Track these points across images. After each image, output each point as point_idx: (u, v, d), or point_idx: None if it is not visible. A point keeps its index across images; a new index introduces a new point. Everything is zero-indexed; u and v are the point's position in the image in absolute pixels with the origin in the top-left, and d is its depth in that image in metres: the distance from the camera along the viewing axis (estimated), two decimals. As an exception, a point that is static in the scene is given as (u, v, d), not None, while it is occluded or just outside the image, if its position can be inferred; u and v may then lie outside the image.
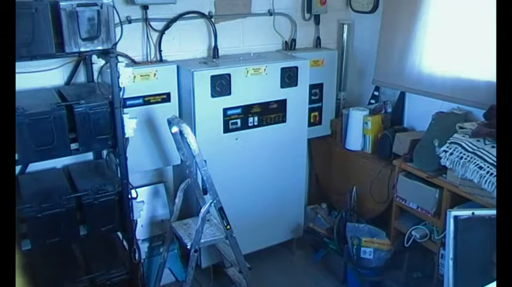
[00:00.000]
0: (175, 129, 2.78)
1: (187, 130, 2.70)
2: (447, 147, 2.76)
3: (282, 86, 3.32)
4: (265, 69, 3.22)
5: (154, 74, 3.04)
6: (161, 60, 3.19)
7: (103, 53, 2.50)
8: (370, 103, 3.85)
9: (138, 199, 2.78)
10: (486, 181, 2.54)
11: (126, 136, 2.62)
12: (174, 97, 3.13)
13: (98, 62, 2.75)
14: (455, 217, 2.47)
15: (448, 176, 2.86)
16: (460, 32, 3.09)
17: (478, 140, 2.67)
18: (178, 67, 3.13)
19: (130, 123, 2.62)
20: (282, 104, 3.36)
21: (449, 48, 3.17)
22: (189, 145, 2.70)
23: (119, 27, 2.60)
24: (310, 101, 3.64)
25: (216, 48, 3.34)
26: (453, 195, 2.85)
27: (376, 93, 3.84)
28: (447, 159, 2.75)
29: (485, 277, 1.71)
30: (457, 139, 2.75)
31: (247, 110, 3.22)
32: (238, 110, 3.19)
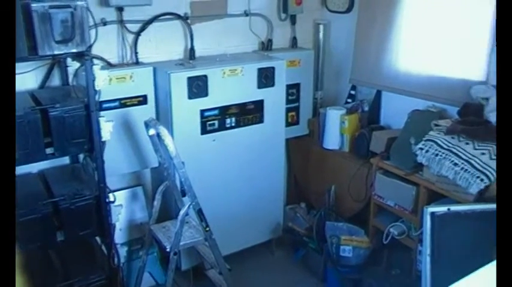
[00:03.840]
0: (152, 131, 2.77)
1: (164, 132, 2.68)
2: (423, 144, 2.79)
3: (259, 87, 3.33)
4: (241, 70, 3.22)
5: (131, 77, 3.02)
6: (137, 63, 3.17)
7: (77, 56, 2.47)
8: (347, 102, 3.86)
9: (116, 203, 2.76)
10: (461, 177, 2.58)
11: (103, 139, 2.60)
12: (151, 99, 3.12)
13: (73, 65, 2.71)
14: (432, 213, 2.51)
15: (424, 173, 2.88)
16: (435, 30, 3.13)
17: (452, 137, 2.71)
18: (154, 69, 3.11)
19: (107, 127, 2.60)
20: (259, 104, 3.36)
21: (424, 46, 3.20)
22: (166, 147, 2.69)
23: (94, 30, 2.59)
24: (287, 101, 3.66)
25: (192, 49, 3.34)
26: (429, 192, 2.88)
27: (352, 92, 3.85)
28: (423, 156, 2.78)
29: (462, 271, 1.74)
30: (432, 137, 2.78)
31: (224, 111, 3.22)
32: (216, 111, 3.19)
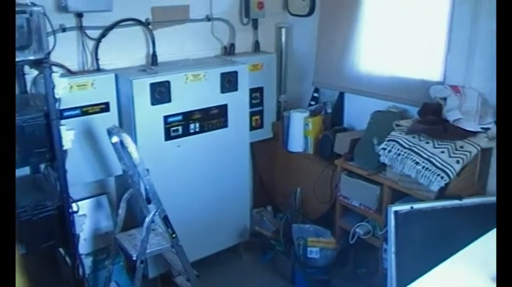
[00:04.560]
0: (115, 139, 2.73)
1: (127, 140, 2.66)
2: (385, 144, 2.83)
3: (222, 91, 3.32)
4: (204, 75, 3.22)
5: (92, 84, 2.97)
6: (98, 69, 3.13)
7: (36, 63, 2.42)
8: (310, 105, 3.88)
9: (80, 213, 2.72)
10: (422, 175, 2.63)
11: (64, 148, 2.56)
12: (114, 106, 3.08)
13: (31, 73, 2.66)
14: (396, 212, 2.58)
15: (388, 173, 2.92)
16: (395, 33, 3.19)
17: (413, 137, 2.76)
18: (116, 76, 3.08)
19: (68, 135, 2.56)
20: (223, 109, 3.36)
21: (385, 48, 3.26)
22: (130, 155, 2.66)
23: (52, 36, 2.54)
24: (251, 105, 3.66)
25: (154, 55, 3.31)
26: (393, 191, 2.92)
27: (315, 94, 3.88)
28: (386, 156, 2.82)
29: (426, 266, 1.78)
30: (394, 137, 2.83)
31: (188, 117, 3.20)
32: (179, 117, 3.17)
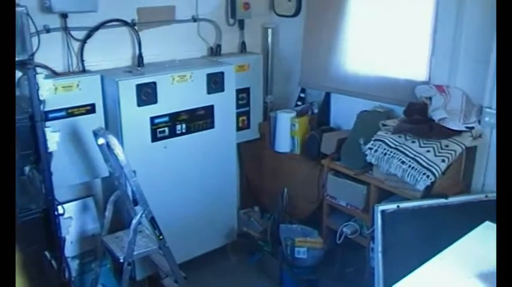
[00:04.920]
0: (101, 140, 2.71)
1: (113, 141, 2.64)
2: (372, 144, 2.84)
3: (208, 92, 3.32)
4: (191, 76, 3.21)
5: (77, 85, 2.95)
6: (84, 71, 3.11)
7: (19, 65, 2.38)
8: (297, 105, 3.89)
9: (66, 215, 2.71)
10: (408, 174, 2.64)
11: (50, 150, 2.54)
12: (99, 108, 3.06)
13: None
14: (382, 211, 2.59)
15: (374, 172, 2.93)
16: (380, 33, 3.21)
17: (399, 136, 2.78)
18: (102, 77, 3.06)
19: (53, 137, 2.54)
20: (210, 110, 3.36)
21: (370, 49, 3.27)
22: (116, 156, 2.65)
23: (36, 37, 2.52)
24: (238, 106, 3.66)
25: (140, 56, 3.29)
26: (379, 190, 2.93)
27: (302, 95, 3.89)
28: (372, 156, 2.83)
29: (412, 265, 1.80)
30: (380, 136, 2.84)
31: (174, 118, 3.20)
32: (166, 118, 3.16)
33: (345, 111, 3.55)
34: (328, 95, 3.69)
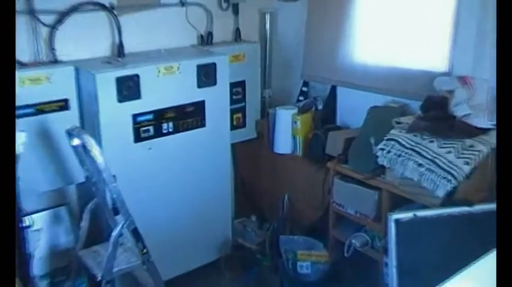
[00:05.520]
0: (76, 141, 2.68)
1: (90, 142, 2.61)
2: (384, 144, 2.82)
3: (199, 86, 3.31)
4: (178, 68, 3.20)
5: (48, 78, 2.91)
6: (55, 61, 3.07)
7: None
8: (298, 100, 3.89)
9: (34, 227, 2.68)
10: (426, 178, 2.62)
11: (16, 153, 2.47)
12: (74, 104, 3.03)
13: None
14: (396, 221, 2.53)
15: (387, 176, 2.91)
16: (394, 18, 3.20)
17: (415, 135, 2.75)
18: (77, 69, 3.03)
19: (20, 138, 2.51)
20: (200, 106, 3.35)
21: (382, 36, 3.26)
22: (93, 159, 2.62)
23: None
24: (232, 102, 3.66)
25: (121, 45, 3.28)
26: (393, 196, 2.91)
27: (304, 89, 3.89)
28: (385, 157, 2.80)
29: (432, 282, 1.74)
30: (394, 135, 2.81)
31: (160, 115, 3.18)
32: (150, 116, 3.15)
33: (353, 107, 3.55)
34: (334, 89, 3.69)
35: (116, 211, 2.82)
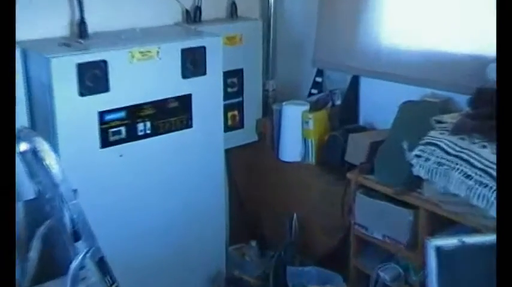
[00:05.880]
0: (24, 146, 2.61)
1: (43, 147, 2.55)
2: (421, 150, 2.80)
3: (184, 76, 3.31)
4: (158, 52, 3.18)
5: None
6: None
7: None
8: (311, 94, 3.90)
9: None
10: (476, 193, 2.58)
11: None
12: (21, 98, 2.99)
13: None
14: (438, 248, 2.48)
15: (425, 191, 2.90)
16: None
17: (462, 138, 2.71)
18: (24, 51, 3.01)
19: None
20: (186, 101, 3.36)
21: (417, 12, 3.25)
22: (47, 169, 2.56)
23: None
24: (226, 96, 3.68)
25: (83, 22, 3.25)
26: (433, 217, 2.90)
27: (318, 79, 3.89)
28: (422, 167, 2.79)
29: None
30: (433, 138, 2.79)
31: (134, 113, 3.18)
32: (122, 114, 3.14)
33: (380, 103, 3.56)
34: (356, 80, 3.69)
35: (76, 236, 2.75)
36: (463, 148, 2.68)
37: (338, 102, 3.73)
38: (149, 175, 3.31)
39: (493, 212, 2.54)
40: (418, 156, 2.80)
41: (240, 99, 3.88)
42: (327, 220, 3.49)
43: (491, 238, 2.48)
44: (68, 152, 2.94)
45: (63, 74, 2.90)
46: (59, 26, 3.27)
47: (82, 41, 3.16)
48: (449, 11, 3.13)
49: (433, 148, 2.76)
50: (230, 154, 3.98)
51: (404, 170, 2.92)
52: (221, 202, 3.72)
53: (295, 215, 3.65)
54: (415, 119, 3.05)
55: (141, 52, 3.12)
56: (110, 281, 2.74)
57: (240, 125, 3.93)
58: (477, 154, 2.62)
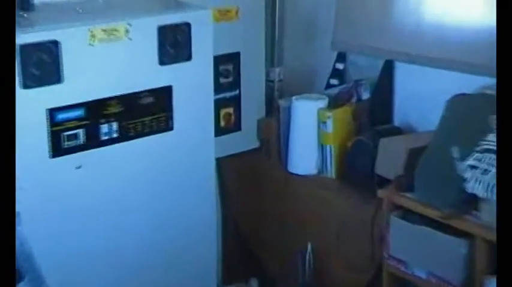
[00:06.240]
0: None
1: None
2: (477, 159, 2.79)
3: (162, 62, 3.29)
4: (127, 30, 3.16)
5: None
6: None
7: None
8: (329, 86, 3.90)
9: None
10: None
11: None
12: None
13: None
14: (502, 291, 2.45)
15: (483, 214, 2.86)
16: None
17: (531, 143, 2.65)
18: None
19: None
20: (165, 95, 3.35)
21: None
22: None
23: None
24: (218, 88, 3.69)
25: None
26: (494, 248, 2.67)
27: (340, 66, 3.91)
28: (478, 181, 2.76)
29: None
30: (494, 144, 2.73)
31: (96, 111, 3.15)
32: (79, 112, 3.11)
33: (421, 97, 3.56)
34: (389, 66, 3.70)
35: (19, 275, 2.61)
36: (534, 157, 2.64)
37: (366, 96, 3.73)
38: (115, 193, 3.28)
39: None
40: (473, 167, 2.78)
41: (237, 92, 3.89)
42: (352, 252, 3.48)
43: None
44: (7, 163, 2.90)
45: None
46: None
47: (26, 15, 3.12)
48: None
49: (493, 156, 2.72)
50: (223, 164, 3.99)
51: (455, 186, 2.89)
52: (212, 229, 3.69)
53: (309, 246, 3.65)
54: (469, 118, 3.02)
55: (104, 30, 3.09)
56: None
57: (236, 126, 3.95)
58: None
